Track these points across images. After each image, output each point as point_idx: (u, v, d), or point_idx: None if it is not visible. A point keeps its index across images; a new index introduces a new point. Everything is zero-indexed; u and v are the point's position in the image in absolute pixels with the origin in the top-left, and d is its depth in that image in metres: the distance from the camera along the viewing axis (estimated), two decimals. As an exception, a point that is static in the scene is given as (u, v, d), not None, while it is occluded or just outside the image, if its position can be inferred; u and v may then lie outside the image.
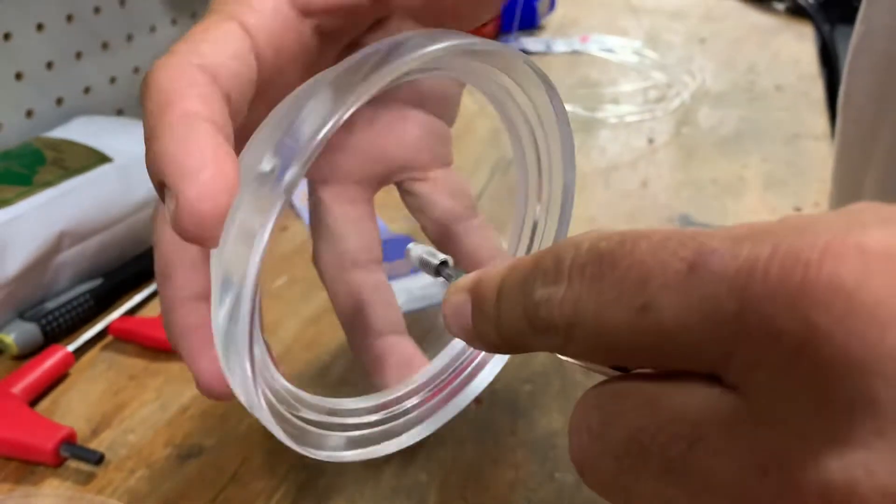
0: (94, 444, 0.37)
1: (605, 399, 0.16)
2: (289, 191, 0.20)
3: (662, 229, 0.16)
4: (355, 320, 0.31)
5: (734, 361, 0.14)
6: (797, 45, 0.95)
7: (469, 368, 0.30)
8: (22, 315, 0.43)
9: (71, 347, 0.42)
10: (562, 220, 0.30)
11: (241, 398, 0.21)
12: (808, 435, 0.13)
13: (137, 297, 0.47)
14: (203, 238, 0.20)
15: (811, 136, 0.72)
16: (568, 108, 0.76)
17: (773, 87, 0.83)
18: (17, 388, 0.39)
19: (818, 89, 0.82)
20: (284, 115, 0.21)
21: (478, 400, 0.40)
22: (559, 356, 0.18)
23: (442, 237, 0.33)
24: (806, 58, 0.91)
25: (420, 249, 0.25)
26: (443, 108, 0.32)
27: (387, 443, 0.27)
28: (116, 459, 0.37)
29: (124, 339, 0.44)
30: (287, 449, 0.37)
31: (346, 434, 0.26)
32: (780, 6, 1.06)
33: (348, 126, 0.30)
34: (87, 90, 0.57)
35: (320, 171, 0.31)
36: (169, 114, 0.21)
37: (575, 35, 0.94)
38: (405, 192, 0.33)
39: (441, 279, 0.24)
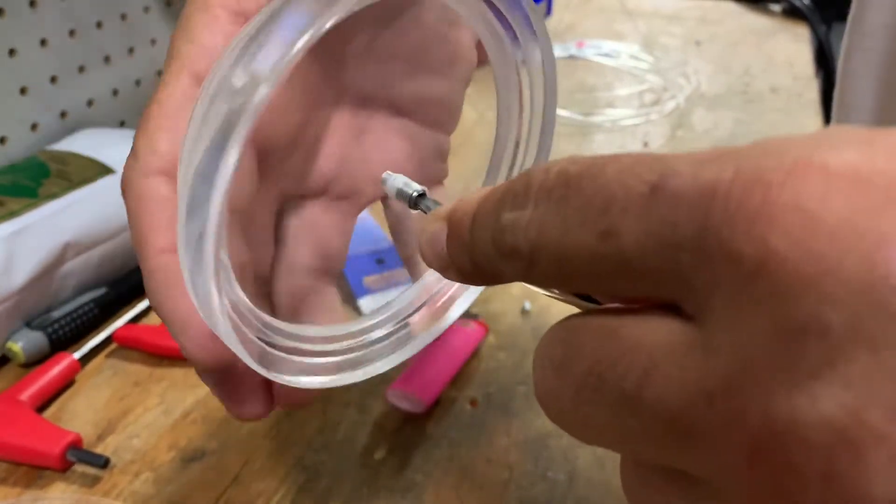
0: (99, 449, 0.38)
1: (568, 333, 0.16)
2: (259, 107, 0.19)
3: (633, 153, 0.15)
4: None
5: (693, 288, 0.14)
6: (793, 46, 0.96)
7: (440, 302, 0.29)
8: (29, 324, 0.44)
9: (77, 355, 0.43)
10: (539, 157, 0.29)
11: (203, 316, 0.21)
12: (757, 361, 0.13)
13: (141, 305, 0.48)
14: (205, 368, 0.24)
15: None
16: (564, 113, 0.77)
17: (769, 89, 0.83)
18: (25, 395, 0.40)
19: (813, 90, 0.83)
20: (259, 28, 0.20)
21: (473, 402, 0.42)
22: (530, 287, 0.18)
23: (407, 261, 0.32)
24: (801, 59, 0.91)
25: (397, 180, 0.24)
26: (442, 113, 0.31)
27: (353, 371, 0.26)
28: (122, 463, 0.38)
29: (129, 347, 0.45)
30: (287, 451, 0.38)
31: (311, 360, 0.25)
32: (776, 8, 1.06)
33: (339, 139, 0.30)
34: (90, 103, 0.59)
35: (309, 187, 0.30)
36: (146, 250, 0.24)
37: (571, 40, 0.95)
38: (386, 207, 0.32)
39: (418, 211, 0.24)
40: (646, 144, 0.71)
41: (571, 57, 0.92)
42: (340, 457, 0.38)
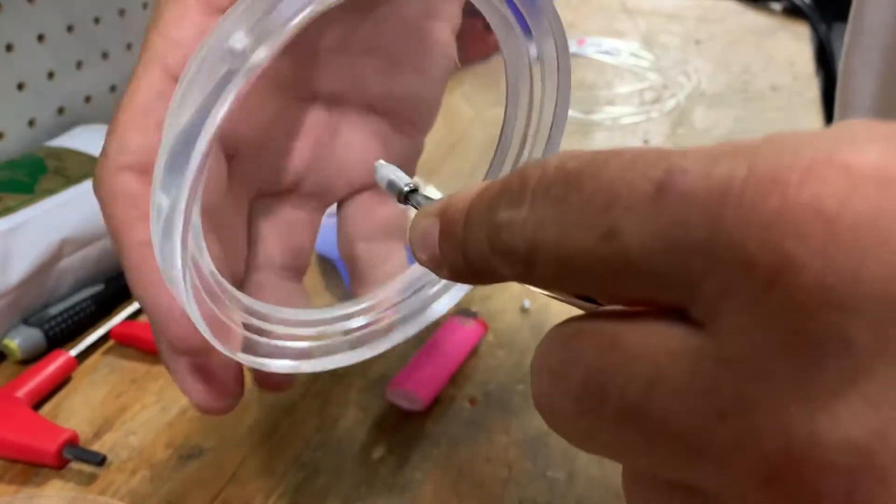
0: (96, 447, 0.38)
1: (567, 339, 0.15)
2: (255, 67, 0.19)
3: (635, 148, 0.14)
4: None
5: (702, 294, 0.13)
6: (793, 45, 0.95)
7: (425, 297, 0.28)
8: (25, 321, 0.44)
9: (73, 352, 0.43)
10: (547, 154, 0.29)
11: (172, 291, 0.21)
12: (772, 377, 0.12)
13: (138, 303, 0.47)
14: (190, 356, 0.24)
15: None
16: (564, 110, 0.76)
17: (769, 88, 0.83)
18: (21, 391, 0.39)
19: (813, 89, 0.83)
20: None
21: (472, 400, 0.41)
22: (529, 287, 0.17)
23: (346, 257, 0.31)
24: (802, 58, 0.91)
25: (388, 170, 0.23)
26: (418, 112, 0.31)
27: (320, 359, 0.25)
28: (118, 461, 0.37)
29: (125, 344, 0.45)
30: (285, 449, 0.38)
31: (287, 344, 0.25)
32: (777, 6, 1.06)
33: (308, 136, 0.29)
34: (87, 99, 0.58)
35: (280, 184, 0.30)
36: (123, 244, 0.24)
37: (572, 38, 0.95)
38: (337, 213, 0.32)
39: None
40: (646, 142, 0.71)
41: (571, 54, 0.92)
42: (339, 455, 0.38)
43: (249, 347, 0.23)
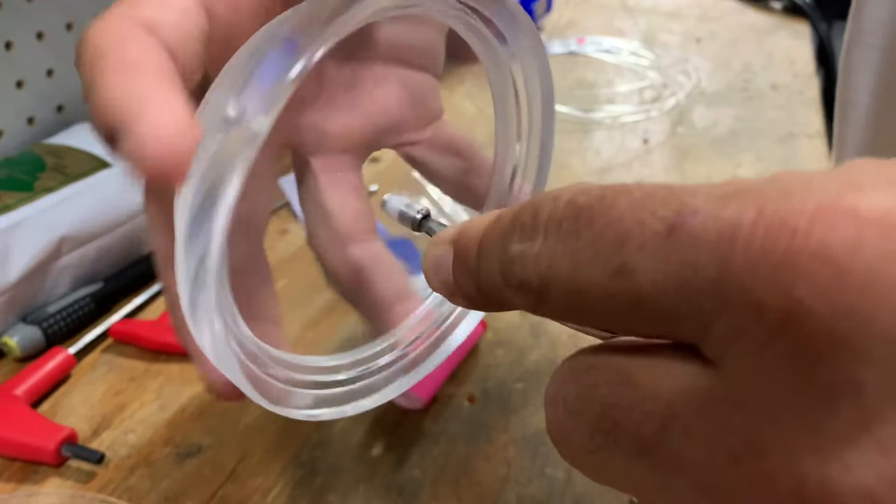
0: (94, 444, 0.38)
1: (580, 372, 0.16)
2: (259, 135, 0.18)
3: (646, 185, 0.14)
4: (363, 296, 0.30)
5: (713, 334, 0.13)
6: (793, 43, 0.95)
7: (444, 326, 0.28)
8: (24, 318, 0.44)
9: (72, 350, 0.43)
10: (539, 177, 0.29)
11: (210, 357, 0.20)
12: (784, 422, 0.12)
13: (137, 301, 0.47)
14: (168, 174, 0.19)
15: (806, 135, 0.72)
16: (564, 109, 0.76)
17: (769, 86, 0.83)
18: (20, 389, 0.39)
19: (814, 88, 0.83)
20: (249, 57, 0.20)
21: (471, 398, 0.41)
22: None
23: (459, 193, 0.32)
24: (802, 56, 0.91)
25: (398, 201, 0.23)
26: (426, 59, 0.31)
27: (360, 401, 0.25)
28: (117, 459, 0.37)
29: (124, 342, 0.45)
30: (284, 447, 0.38)
31: (317, 392, 0.25)
32: (777, 5, 1.06)
33: (328, 91, 0.29)
34: (87, 97, 0.58)
35: (303, 141, 0.30)
36: (107, 64, 0.20)
37: (572, 36, 0.95)
38: (408, 161, 0.32)
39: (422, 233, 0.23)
40: (646, 141, 0.71)
41: (572, 53, 0.92)
42: (337, 453, 0.38)
43: (288, 400, 0.23)
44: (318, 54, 0.19)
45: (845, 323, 0.12)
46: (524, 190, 0.29)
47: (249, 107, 0.18)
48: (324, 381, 0.25)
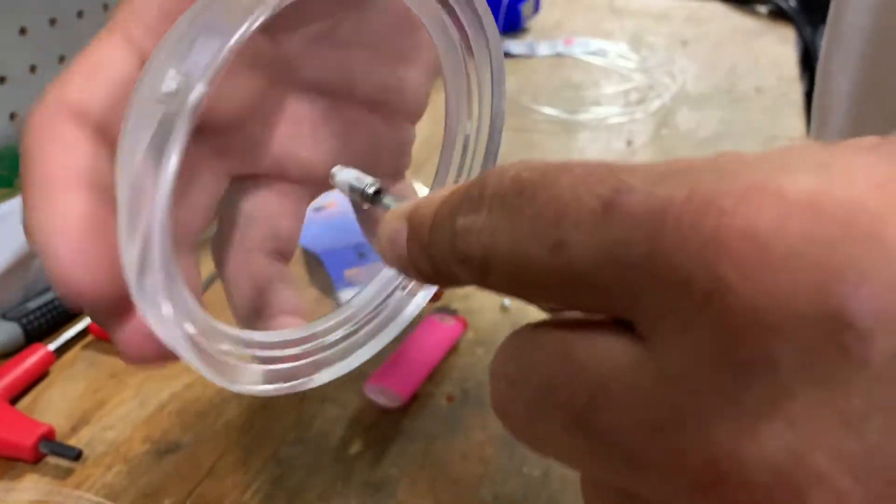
0: (73, 441, 0.38)
1: (523, 347, 0.16)
2: (196, 106, 0.18)
3: (587, 162, 0.15)
4: (253, 306, 0.29)
5: (643, 310, 0.13)
6: (779, 47, 0.96)
7: (394, 302, 0.28)
8: (4, 315, 0.44)
9: (52, 346, 0.43)
10: (488, 153, 0.29)
11: (161, 337, 0.20)
12: (704, 396, 0.13)
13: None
14: (84, 295, 0.20)
15: (789, 138, 0.73)
16: (550, 110, 0.77)
17: (754, 90, 0.84)
18: (-2, 386, 0.39)
19: (797, 91, 0.83)
20: (187, 28, 0.19)
21: (450, 397, 0.41)
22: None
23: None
24: (787, 60, 0.92)
25: (348, 174, 0.23)
26: (407, 103, 0.30)
27: (309, 377, 0.25)
28: (94, 455, 0.37)
29: (104, 339, 0.45)
30: (262, 445, 0.38)
31: (267, 367, 0.24)
32: (763, 9, 1.07)
33: (296, 122, 0.29)
34: (71, 93, 0.58)
35: (258, 165, 0.29)
36: (29, 181, 0.21)
37: (559, 37, 0.95)
38: (354, 206, 0.31)
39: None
40: (630, 143, 0.71)
41: (558, 54, 0.92)
42: (315, 451, 0.38)
43: (233, 375, 0.23)
44: (258, 23, 0.19)
45: (764, 301, 0.12)
46: (473, 167, 0.29)
47: (188, 78, 0.18)
48: (274, 357, 0.25)
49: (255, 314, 0.29)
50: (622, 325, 0.14)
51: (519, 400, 0.16)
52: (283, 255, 0.30)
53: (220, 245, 0.29)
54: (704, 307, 0.12)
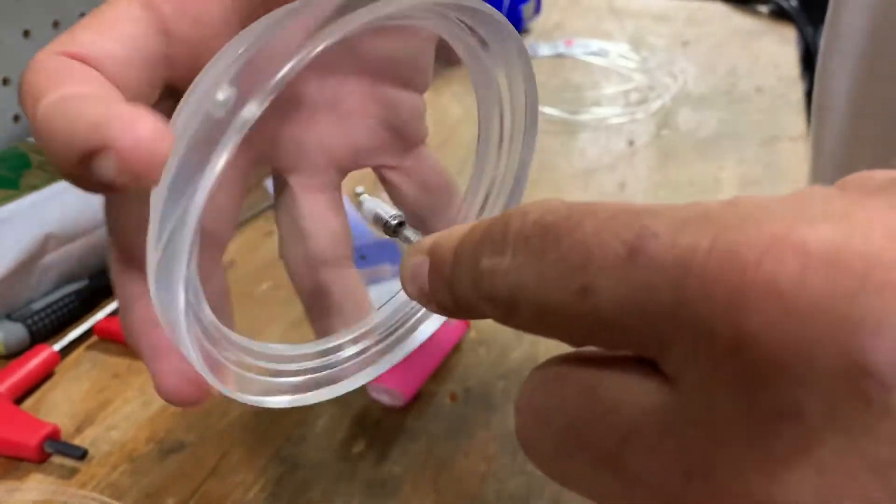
0: (77, 441, 0.38)
1: (548, 382, 0.16)
2: (245, 123, 0.18)
3: (610, 205, 0.15)
4: (324, 318, 0.30)
5: (670, 354, 0.14)
6: (779, 47, 0.96)
7: (411, 320, 0.28)
8: (9, 315, 0.44)
9: (57, 347, 0.43)
10: (512, 195, 0.29)
11: (169, 332, 0.20)
12: (733, 443, 0.13)
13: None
14: (151, 176, 0.18)
15: (789, 138, 0.73)
16: (551, 111, 0.77)
17: (754, 90, 0.84)
18: (3, 386, 0.40)
19: (798, 92, 0.83)
20: (247, 44, 0.19)
21: (452, 396, 0.42)
22: None
23: (417, 227, 0.33)
24: (787, 60, 0.92)
25: (373, 203, 0.24)
26: (413, 75, 0.30)
27: (321, 390, 0.26)
28: (99, 455, 0.38)
29: (109, 339, 0.45)
30: (266, 444, 0.38)
31: (272, 379, 0.25)
32: (764, 9, 1.07)
33: (308, 107, 0.29)
34: (74, 95, 0.58)
35: (280, 156, 0.29)
36: (44, 99, 0.19)
37: (560, 39, 0.96)
38: (381, 180, 0.32)
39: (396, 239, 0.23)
40: (631, 143, 0.72)
41: (559, 55, 0.92)
42: (319, 450, 0.38)
43: (244, 386, 0.23)
44: (319, 49, 0.19)
45: (789, 353, 0.12)
46: (498, 203, 0.29)
47: (240, 93, 0.19)
48: (281, 370, 0.25)
49: (324, 328, 0.30)
50: (647, 364, 0.15)
51: (547, 437, 0.16)
52: (345, 256, 0.30)
53: (284, 257, 0.30)
54: (731, 358, 0.13)
